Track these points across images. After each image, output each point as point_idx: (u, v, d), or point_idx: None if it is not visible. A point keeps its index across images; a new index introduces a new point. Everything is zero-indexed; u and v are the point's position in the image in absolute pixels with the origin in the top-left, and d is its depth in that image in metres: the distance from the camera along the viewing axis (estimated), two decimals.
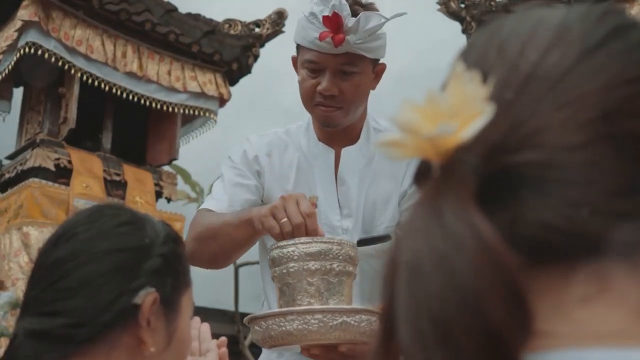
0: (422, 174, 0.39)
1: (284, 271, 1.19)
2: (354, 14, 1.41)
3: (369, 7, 1.47)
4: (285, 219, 1.21)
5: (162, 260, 0.88)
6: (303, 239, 1.19)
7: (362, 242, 1.47)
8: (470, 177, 0.35)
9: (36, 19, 5.52)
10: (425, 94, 0.36)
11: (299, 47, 1.52)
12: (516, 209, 0.36)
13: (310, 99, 1.49)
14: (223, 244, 1.41)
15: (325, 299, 1.17)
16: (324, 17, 1.40)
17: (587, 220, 0.35)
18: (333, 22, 1.39)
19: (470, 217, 0.33)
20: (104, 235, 0.87)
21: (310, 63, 1.47)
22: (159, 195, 6.61)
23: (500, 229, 0.34)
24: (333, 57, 1.44)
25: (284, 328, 1.13)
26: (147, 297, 0.84)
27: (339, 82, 1.46)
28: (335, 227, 1.50)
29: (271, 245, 1.26)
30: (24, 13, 5.55)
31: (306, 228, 1.20)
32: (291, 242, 1.19)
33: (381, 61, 1.53)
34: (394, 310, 0.35)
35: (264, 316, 1.17)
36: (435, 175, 0.36)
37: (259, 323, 1.17)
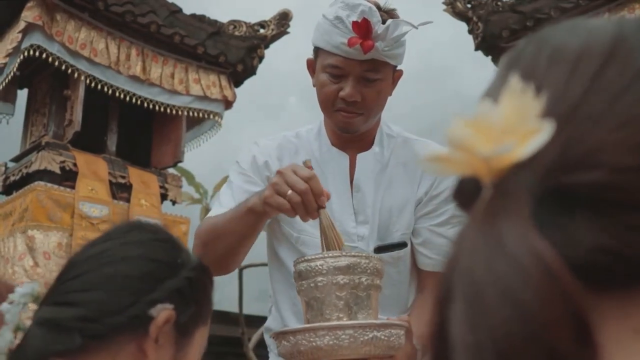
0: (467, 192, 0.37)
1: (312, 285, 1.17)
2: (381, 20, 1.39)
3: (392, 14, 1.44)
4: (291, 191, 1.21)
5: (187, 283, 0.88)
6: (331, 253, 1.18)
7: (379, 250, 1.46)
8: (526, 198, 0.33)
9: (40, 22, 5.50)
10: (477, 108, 0.34)
11: (318, 50, 1.48)
12: (571, 231, 0.34)
13: (331, 104, 1.46)
14: (229, 242, 1.39)
15: (354, 313, 1.15)
16: (353, 22, 1.37)
17: None
18: (362, 29, 1.37)
19: (532, 242, 0.31)
20: (140, 243, 0.89)
21: (333, 68, 1.44)
22: (163, 197, 6.59)
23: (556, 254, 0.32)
24: (358, 64, 1.41)
25: (314, 343, 1.11)
26: (163, 311, 0.83)
27: (361, 88, 1.43)
28: (350, 234, 1.48)
29: (296, 258, 1.24)
30: (28, 14, 5.53)
31: (312, 191, 1.21)
32: (319, 255, 1.18)
33: (398, 67, 1.51)
34: (447, 337, 0.33)
35: (293, 331, 1.16)
36: (487, 195, 0.34)
37: (287, 338, 1.16)
